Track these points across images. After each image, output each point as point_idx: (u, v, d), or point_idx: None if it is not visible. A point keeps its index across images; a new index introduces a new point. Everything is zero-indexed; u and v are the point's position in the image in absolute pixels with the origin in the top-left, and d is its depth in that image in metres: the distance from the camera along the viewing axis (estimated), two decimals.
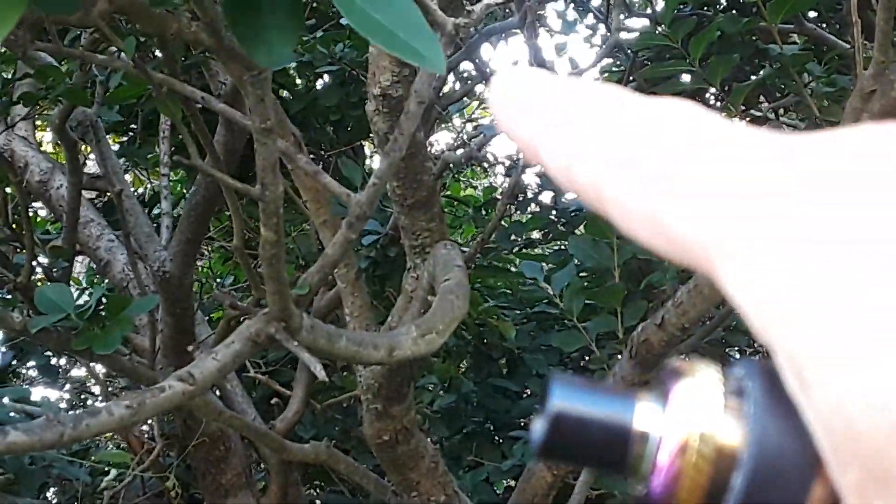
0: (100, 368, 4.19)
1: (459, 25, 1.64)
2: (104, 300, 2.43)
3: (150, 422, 3.69)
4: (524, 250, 4.58)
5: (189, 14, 1.66)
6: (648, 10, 4.72)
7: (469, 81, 5.00)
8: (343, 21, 3.71)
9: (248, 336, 1.59)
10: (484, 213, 4.71)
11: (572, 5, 5.19)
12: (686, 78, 3.53)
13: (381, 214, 3.55)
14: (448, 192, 5.46)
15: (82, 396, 5.03)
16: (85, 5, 1.29)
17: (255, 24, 0.80)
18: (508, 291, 4.53)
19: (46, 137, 5.20)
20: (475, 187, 6.49)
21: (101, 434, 1.40)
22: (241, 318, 2.44)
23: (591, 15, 5.23)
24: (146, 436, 3.91)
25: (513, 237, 4.15)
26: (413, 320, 2.26)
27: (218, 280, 4.79)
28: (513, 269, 4.44)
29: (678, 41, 3.13)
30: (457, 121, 6.12)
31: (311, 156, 3.75)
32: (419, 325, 2.02)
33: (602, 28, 5.12)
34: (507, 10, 4.19)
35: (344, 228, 1.69)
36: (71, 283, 3.33)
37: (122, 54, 2.23)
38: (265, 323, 1.61)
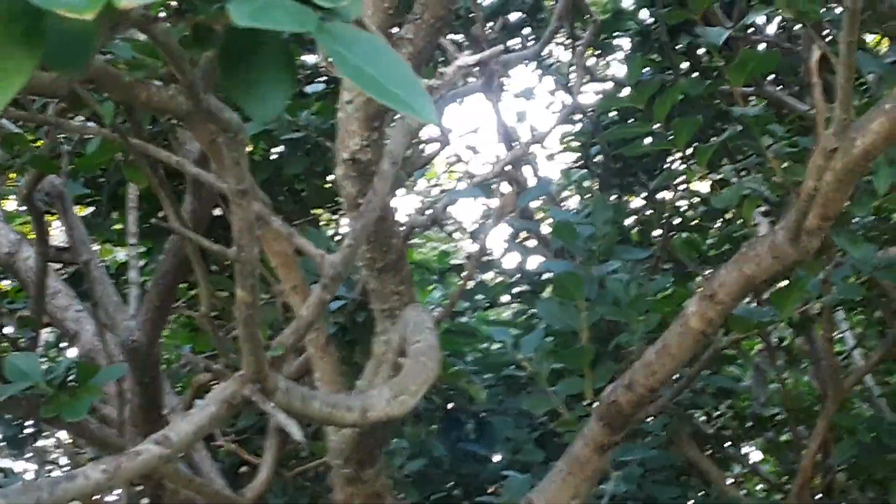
0: (66, 437, 4.15)
1: (433, 87, 1.66)
2: (72, 368, 2.43)
3: (115, 493, 3.65)
4: (488, 311, 4.59)
5: (159, 82, 1.67)
6: (608, 74, 4.78)
7: (430, 146, 5.00)
8: (308, 89, 3.72)
9: (224, 398, 1.59)
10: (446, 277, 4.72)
11: (531, 70, 5.24)
12: (648, 140, 3.57)
13: (347, 280, 3.54)
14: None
15: (48, 468, 4.97)
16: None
17: (249, 76, 0.82)
18: (474, 356, 4.52)
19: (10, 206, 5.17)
20: (447, 253, 6.51)
21: (78, 498, 1.39)
22: (212, 384, 2.44)
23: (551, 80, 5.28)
24: None
25: (478, 297, 4.16)
26: (385, 382, 2.26)
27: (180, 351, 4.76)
28: (479, 332, 4.43)
29: (642, 103, 3.16)
30: (420, 185, 6.15)
31: None
32: (392, 387, 2.01)
33: (561, 93, 5.17)
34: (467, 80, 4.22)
35: (319, 289, 1.70)
36: None
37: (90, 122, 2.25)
38: (241, 385, 1.60)
